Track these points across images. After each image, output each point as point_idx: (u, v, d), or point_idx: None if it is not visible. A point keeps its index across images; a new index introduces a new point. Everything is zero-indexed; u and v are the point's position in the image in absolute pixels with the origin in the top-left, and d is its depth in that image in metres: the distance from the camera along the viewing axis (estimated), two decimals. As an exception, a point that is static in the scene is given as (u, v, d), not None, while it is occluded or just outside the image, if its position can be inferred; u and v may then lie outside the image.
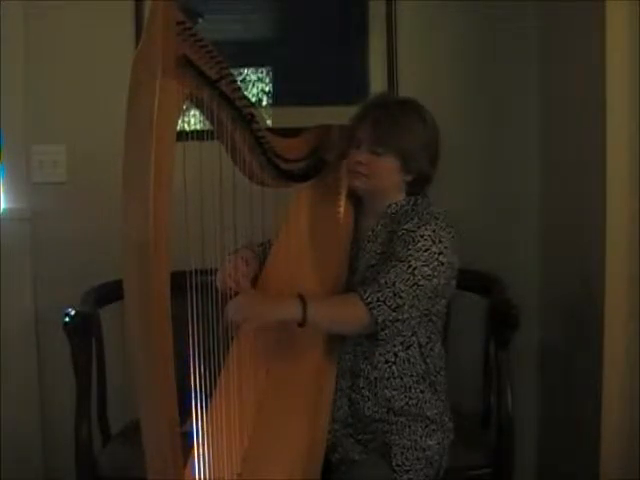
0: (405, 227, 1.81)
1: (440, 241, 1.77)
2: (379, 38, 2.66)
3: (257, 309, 1.70)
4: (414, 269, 1.73)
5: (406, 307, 1.72)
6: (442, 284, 1.78)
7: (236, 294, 1.70)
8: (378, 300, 1.71)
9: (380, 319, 1.71)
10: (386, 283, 1.72)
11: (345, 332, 1.81)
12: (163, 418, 1.25)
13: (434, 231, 1.77)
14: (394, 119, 1.84)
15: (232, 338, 1.70)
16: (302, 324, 1.68)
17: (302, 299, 1.67)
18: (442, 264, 1.76)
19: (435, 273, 1.75)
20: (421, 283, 1.73)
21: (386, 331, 1.73)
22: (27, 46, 2.59)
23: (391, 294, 1.71)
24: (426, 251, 1.75)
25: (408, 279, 1.72)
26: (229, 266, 1.81)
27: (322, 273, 1.86)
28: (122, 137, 1.22)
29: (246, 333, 1.77)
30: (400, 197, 1.90)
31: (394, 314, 1.71)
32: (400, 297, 1.71)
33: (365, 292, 1.72)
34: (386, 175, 1.86)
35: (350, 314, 1.74)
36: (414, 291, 1.72)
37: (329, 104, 2.57)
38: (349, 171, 1.90)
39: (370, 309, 1.70)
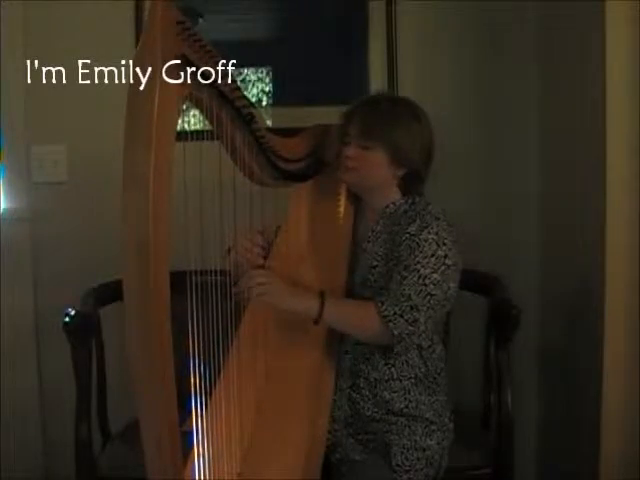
0: (408, 231, 1.80)
1: (444, 243, 1.77)
2: (379, 38, 2.66)
3: (277, 290, 1.70)
4: (424, 278, 1.73)
5: (422, 320, 1.72)
6: (451, 287, 1.78)
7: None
8: (395, 313, 1.71)
9: (397, 332, 1.71)
10: (402, 295, 1.72)
11: (358, 338, 1.82)
12: (163, 418, 1.25)
13: (437, 233, 1.77)
14: (383, 113, 1.85)
15: (232, 338, 1.70)
16: (316, 321, 1.70)
17: (321, 299, 1.69)
18: (449, 267, 1.76)
19: (444, 278, 1.75)
20: (434, 292, 1.73)
21: (402, 344, 1.74)
22: (27, 46, 2.59)
23: (408, 308, 1.71)
24: (432, 256, 1.75)
25: (421, 290, 1.72)
26: (245, 240, 1.82)
27: (321, 273, 1.86)
28: (122, 137, 1.22)
29: (249, 324, 1.78)
30: (396, 195, 1.90)
31: (411, 328, 1.71)
32: (417, 310, 1.71)
33: (382, 304, 1.72)
34: (375, 168, 1.86)
35: (365, 324, 1.74)
36: (428, 302, 1.72)
37: (329, 104, 2.57)
38: (340, 166, 1.90)
39: (387, 322, 1.71)
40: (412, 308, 1.71)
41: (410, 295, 1.72)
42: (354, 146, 1.86)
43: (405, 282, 1.73)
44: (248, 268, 1.74)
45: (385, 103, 1.90)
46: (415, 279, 1.73)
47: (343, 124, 1.91)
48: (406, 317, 1.70)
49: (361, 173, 1.87)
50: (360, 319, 1.75)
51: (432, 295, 1.73)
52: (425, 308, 1.72)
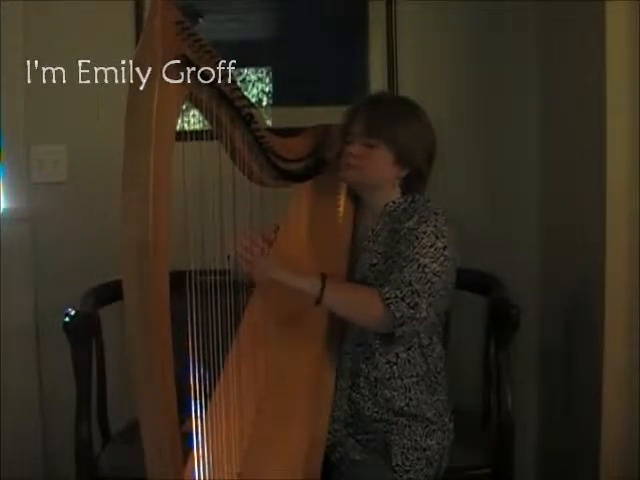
0: (406, 225, 1.81)
1: (443, 236, 1.77)
2: (379, 38, 2.66)
3: (279, 271, 1.72)
4: (424, 267, 1.74)
5: (424, 306, 1.72)
6: (450, 281, 1.79)
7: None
8: (396, 297, 1.71)
9: (398, 314, 1.71)
10: (402, 282, 1.73)
11: (359, 322, 1.81)
12: (163, 418, 1.25)
13: (435, 226, 1.78)
14: (387, 112, 1.85)
15: (232, 338, 1.70)
16: (318, 301, 1.71)
17: (323, 278, 1.71)
18: (447, 259, 1.76)
19: (443, 269, 1.75)
20: (433, 280, 1.74)
21: (403, 328, 1.73)
22: (27, 46, 2.59)
23: (409, 292, 1.72)
24: (431, 247, 1.76)
25: (421, 278, 1.73)
26: (245, 238, 1.82)
27: (322, 271, 1.86)
28: (122, 137, 1.22)
29: (249, 325, 1.78)
30: (396, 194, 1.90)
31: (412, 311, 1.71)
32: (418, 295, 1.72)
33: (383, 288, 1.73)
34: (379, 167, 1.86)
35: (366, 307, 1.75)
36: (429, 289, 1.73)
37: (329, 104, 2.57)
38: (343, 164, 1.90)
39: (388, 304, 1.71)
40: (413, 293, 1.72)
41: (411, 281, 1.73)
42: (358, 144, 1.85)
43: (405, 270, 1.74)
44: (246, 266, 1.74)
45: (388, 102, 1.91)
46: (415, 267, 1.74)
47: (346, 123, 1.90)
48: (407, 300, 1.71)
49: (364, 171, 1.87)
50: (361, 301, 1.76)
51: (432, 283, 1.73)
52: (426, 295, 1.72)
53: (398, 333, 1.74)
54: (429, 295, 1.73)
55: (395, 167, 1.86)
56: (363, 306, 1.76)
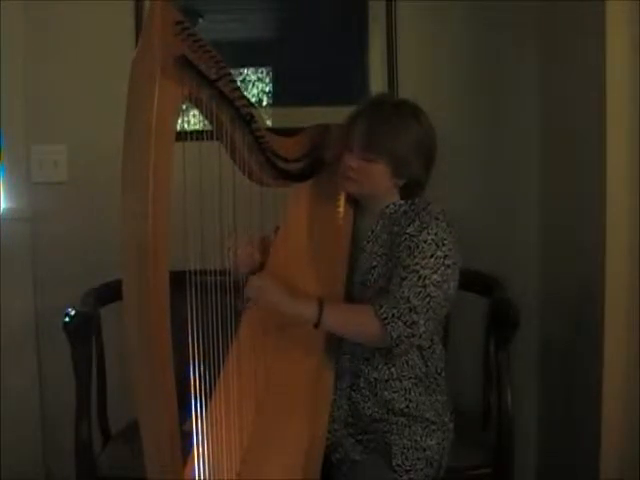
0: (407, 231, 1.80)
1: (444, 244, 1.76)
2: (379, 38, 2.66)
3: (277, 296, 1.72)
4: (424, 279, 1.73)
5: (422, 322, 1.72)
6: (451, 287, 1.78)
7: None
8: (393, 316, 1.71)
9: (395, 335, 1.71)
10: (401, 298, 1.72)
11: (358, 341, 1.82)
12: (162, 418, 1.25)
13: (436, 234, 1.77)
14: (387, 124, 1.82)
15: (232, 338, 1.71)
16: (316, 326, 1.71)
17: (320, 303, 1.70)
18: (449, 267, 1.75)
19: (444, 278, 1.74)
20: (433, 294, 1.73)
21: (401, 346, 1.73)
22: (27, 46, 2.59)
23: (407, 310, 1.71)
24: (432, 257, 1.75)
25: (420, 292, 1.72)
26: (244, 242, 1.82)
27: (321, 272, 1.86)
28: (122, 137, 1.23)
29: (248, 325, 1.79)
30: (395, 198, 1.90)
31: (409, 330, 1.71)
32: (416, 312, 1.71)
33: (380, 307, 1.72)
34: (377, 180, 1.85)
35: (364, 327, 1.75)
36: (428, 303, 1.72)
37: (329, 104, 2.57)
38: (341, 175, 1.89)
39: (385, 325, 1.71)
40: (411, 310, 1.71)
41: (409, 297, 1.72)
42: (356, 157, 1.84)
43: (404, 284, 1.73)
44: (248, 275, 1.74)
45: (389, 110, 1.85)
46: (414, 280, 1.73)
47: (347, 128, 1.89)
48: (404, 319, 1.70)
49: (362, 184, 1.86)
50: (359, 323, 1.76)
51: (432, 297, 1.73)
52: (425, 310, 1.72)
53: (396, 351, 1.75)
54: (427, 310, 1.72)
55: (393, 178, 1.85)
56: (361, 327, 1.76)
